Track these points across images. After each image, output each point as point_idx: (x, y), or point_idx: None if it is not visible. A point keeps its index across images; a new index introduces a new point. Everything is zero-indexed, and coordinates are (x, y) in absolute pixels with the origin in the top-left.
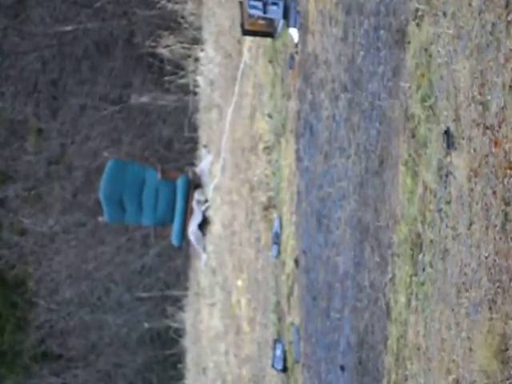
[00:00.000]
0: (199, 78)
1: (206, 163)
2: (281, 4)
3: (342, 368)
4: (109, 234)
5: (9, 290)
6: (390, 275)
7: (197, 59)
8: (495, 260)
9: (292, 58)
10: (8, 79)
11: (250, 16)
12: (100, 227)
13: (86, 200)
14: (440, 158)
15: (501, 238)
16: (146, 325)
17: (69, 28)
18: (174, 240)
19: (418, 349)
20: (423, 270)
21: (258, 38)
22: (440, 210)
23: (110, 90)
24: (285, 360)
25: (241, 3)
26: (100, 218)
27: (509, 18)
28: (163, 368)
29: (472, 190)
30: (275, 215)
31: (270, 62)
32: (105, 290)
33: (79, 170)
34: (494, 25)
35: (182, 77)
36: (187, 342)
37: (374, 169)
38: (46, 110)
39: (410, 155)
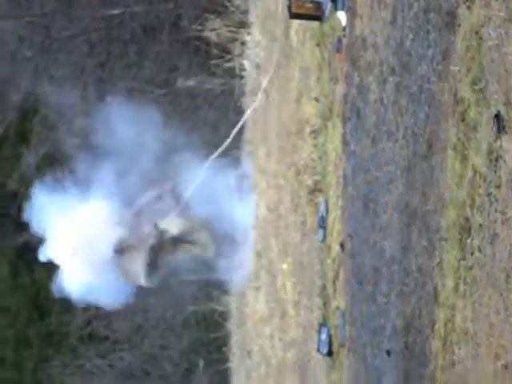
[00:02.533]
0: (245, 62)
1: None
2: None
3: (388, 352)
4: None
5: (56, 272)
6: (438, 259)
7: (243, 43)
8: None
9: (339, 41)
10: (56, 63)
11: None
12: None
13: (134, 182)
14: (490, 141)
15: None
16: (192, 308)
17: (116, 11)
18: None
19: (466, 333)
20: (471, 254)
21: (305, 22)
22: (489, 194)
23: (156, 74)
24: (330, 344)
25: None
26: None
27: None
28: (208, 351)
29: None
30: (321, 199)
31: (318, 45)
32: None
33: (125, 155)
34: None
35: (229, 60)
36: (232, 325)
37: (422, 153)
38: (93, 93)
39: (459, 139)
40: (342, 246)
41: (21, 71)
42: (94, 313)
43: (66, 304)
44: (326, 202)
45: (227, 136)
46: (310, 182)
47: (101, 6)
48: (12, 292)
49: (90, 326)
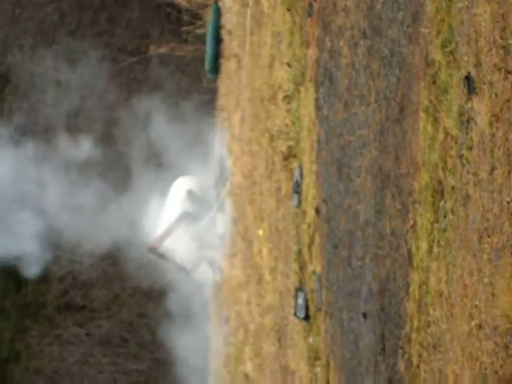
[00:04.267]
0: None
1: None
2: None
3: (365, 315)
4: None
5: None
6: (412, 222)
7: None
8: None
9: (310, 5)
10: (26, 31)
11: None
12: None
13: (104, 153)
14: (461, 103)
15: None
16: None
17: None
18: (209, 74)
19: (440, 295)
20: (445, 216)
21: None
22: (461, 156)
23: (127, 42)
24: (307, 308)
25: None
26: None
27: None
28: (186, 319)
29: (493, 135)
30: (295, 164)
31: (289, 10)
32: (127, 243)
33: (99, 122)
34: None
35: (200, 27)
36: (209, 292)
37: (394, 116)
38: (64, 62)
39: (430, 101)
40: (317, 210)
41: None
42: (70, 282)
43: (41, 274)
44: (301, 167)
45: (201, 103)
46: (283, 148)
47: None
48: None
49: (66, 295)
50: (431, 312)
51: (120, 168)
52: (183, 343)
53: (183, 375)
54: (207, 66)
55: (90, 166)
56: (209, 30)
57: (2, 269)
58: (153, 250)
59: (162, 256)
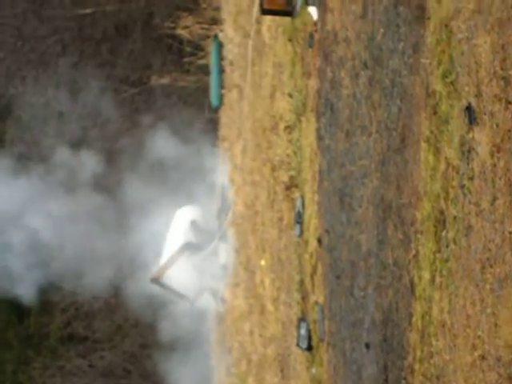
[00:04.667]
0: None
1: None
2: None
3: (367, 346)
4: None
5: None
6: (414, 252)
7: None
8: None
9: (311, 36)
10: (29, 63)
11: None
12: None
13: (107, 183)
14: (462, 134)
15: None
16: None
17: (88, 11)
18: (214, 101)
19: (443, 325)
20: (447, 246)
21: (277, 17)
22: (463, 187)
23: (129, 72)
24: (310, 339)
25: None
26: None
27: None
28: (189, 349)
29: (495, 165)
30: (297, 194)
31: (290, 40)
32: (130, 274)
33: (101, 153)
34: None
35: (202, 57)
36: (212, 322)
37: (395, 146)
38: (66, 93)
39: (431, 132)
40: (319, 240)
41: None
42: (73, 313)
43: (44, 305)
44: (302, 197)
45: (204, 132)
46: (285, 178)
47: (72, 6)
48: None
49: (69, 326)
50: (434, 342)
51: (122, 197)
52: (186, 374)
53: None
54: (212, 96)
55: (93, 196)
56: (212, 61)
57: (4, 300)
58: (155, 280)
59: (164, 286)
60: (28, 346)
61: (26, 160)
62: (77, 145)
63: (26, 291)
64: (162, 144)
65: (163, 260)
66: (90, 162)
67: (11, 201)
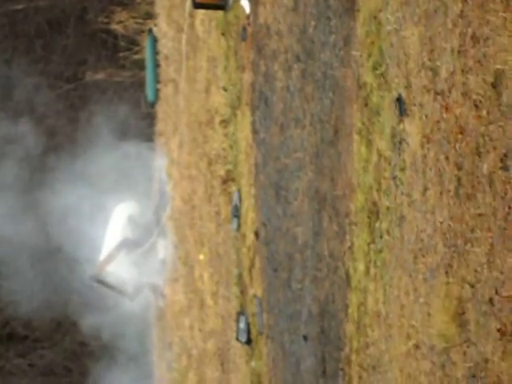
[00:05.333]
0: None
1: None
2: None
3: (305, 338)
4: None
5: None
6: (349, 244)
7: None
8: (450, 225)
9: (244, 29)
10: None
11: None
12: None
13: (42, 180)
14: (393, 125)
15: (455, 203)
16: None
17: (20, 6)
18: (150, 96)
19: (378, 316)
20: (380, 237)
21: (209, 11)
22: (395, 178)
23: (64, 68)
24: (249, 332)
25: None
26: None
27: None
28: (130, 345)
29: (425, 156)
30: (234, 188)
31: (223, 34)
32: (68, 269)
33: (36, 149)
34: None
35: (137, 52)
36: (152, 317)
37: (329, 138)
38: (0, 90)
39: (363, 124)
40: (256, 234)
41: None
42: (11, 313)
43: None
44: (239, 191)
45: (139, 128)
46: (222, 172)
47: (3, 1)
48: None
49: (7, 326)
50: (370, 333)
51: (58, 196)
52: (127, 370)
53: None
54: (148, 91)
55: (28, 193)
56: (147, 56)
57: None
58: (94, 277)
59: (103, 282)
60: None
61: None
62: (10, 142)
63: None
64: (98, 140)
65: (102, 256)
66: (23, 161)
67: None
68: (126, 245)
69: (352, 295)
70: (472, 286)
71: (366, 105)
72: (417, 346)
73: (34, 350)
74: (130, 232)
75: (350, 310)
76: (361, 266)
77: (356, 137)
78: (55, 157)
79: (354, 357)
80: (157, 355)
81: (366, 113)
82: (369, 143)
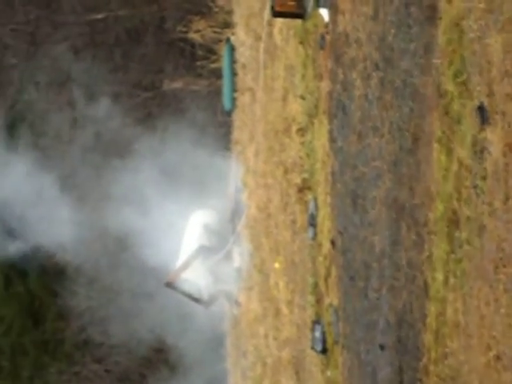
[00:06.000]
0: None
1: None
2: None
3: (382, 347)
4: None
5: (49, 280)
6: (427, 253)
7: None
8: None
9: (323, 38)
10: (41, 69)
11: None
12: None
13: (119, 188)
14: (474, 133)
15: None
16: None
17: (100, 16)
18: (227, 104)
19: (458, 326)
20: (460, 247)
21: (288, 20)
22: (476, 186)
23: (142, 77)
24: (324, 341)
25: None
26: None
27: None
28: (204, 352)
29: (507, 164)
30: (310, 197)
31: (301, 43)
32: (143, 277)
33: (114, 157)
34: None
35: (214, 61)
36: (227, 325)
37: (407, 147)
38: (79, 98)
39: (443, 132)
40: (332, 242)
41: (6, 79)
42: (88, 319)
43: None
44: (315, 199)
45: (216, 136)
46: (298, 180)
47: (84, 12)
48: (6, 301)
49: (84, 332)
50: (449, 343)
51: (135, 203)
52: (201, 378)
53: None
54: (225, 99)
55: (106, 201)
56: (225, 64)
57: (20, 304)
58: (170, 284)
59: (179, 290)
60: (44, 351)
61: (40, 165)
62: (90, 150)
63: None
64: (175, 148)
65: (177, 264)
66: (102, 168)
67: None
68: (202, 252)
69: (430, 305)
70: None
71: (447, 113)
72: (498, 357)
73: (110, 356)
74: (205, 239)
75: (428, 320)
76: (440, 276)
77: (436, 145)
78: (132, 164)
79: (432, 367)
80: (231, 363)
81: (447, 121)
82: (449, 152)
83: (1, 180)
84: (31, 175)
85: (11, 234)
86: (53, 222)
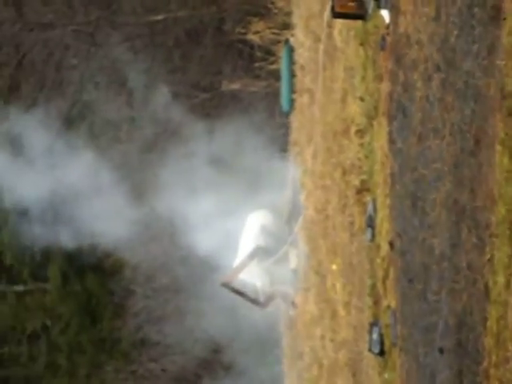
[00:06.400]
0: None
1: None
2: None
3: (441, 350)
4: None
5: (106, 278)
6: (488, 256)
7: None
8: None
9: (383, 39)
10: (101, 69)
11: None
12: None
13: (177, 188)
14: None
15: None
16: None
17: (159, 17)
18: (285, 106)
19: None
20: None
21: (348, 21)
22: None
23: (201, 78)
24: (382, 343)
25: None
26: None
27: None
28: (260, 353)
29: None
30: (369, 198)
31: (361, 44)
32: (200, 277)
33: (172, 157)
34: None
35: (273, 62)
36: (283, 327)
37: (469, 149)
38: (138, 98)
39: (506, 134)
40: (391, 244)
41: (67, 79)
42: (144, 318)
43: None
44: (374, 201)
45: (273, 138)
46: (356, 182)
47: (144, 13)
48: (63, 299)
49: (141, 330)
50: (510, 347)
51: (193, 204)
52: (257, 379)
53: None
54: (283, 101)
55: (164, 202)
56: (283, 66)
57: (77, 303)
58: (226, 284)
59: (235, 290)
60: (101, 350)
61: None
62: (147, 150)
63: None
64: (233, 149)
65: (235, 264)
66: (160, 168)
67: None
68: (259, 253)
69: (491, 308)
70: None
71: (510, 115)
72: None
73: (166, 356)
74: (262, 240)
75: (488, 323)
76: (501, 279)
77: (499, 147)
78: (190, 165)
79: (492, 371)
80: (287, 364)
81: (510, 123)
82: None
83: (61, 178)
84: (90, 173)
85: (68, 228)
86: (110, 221)
